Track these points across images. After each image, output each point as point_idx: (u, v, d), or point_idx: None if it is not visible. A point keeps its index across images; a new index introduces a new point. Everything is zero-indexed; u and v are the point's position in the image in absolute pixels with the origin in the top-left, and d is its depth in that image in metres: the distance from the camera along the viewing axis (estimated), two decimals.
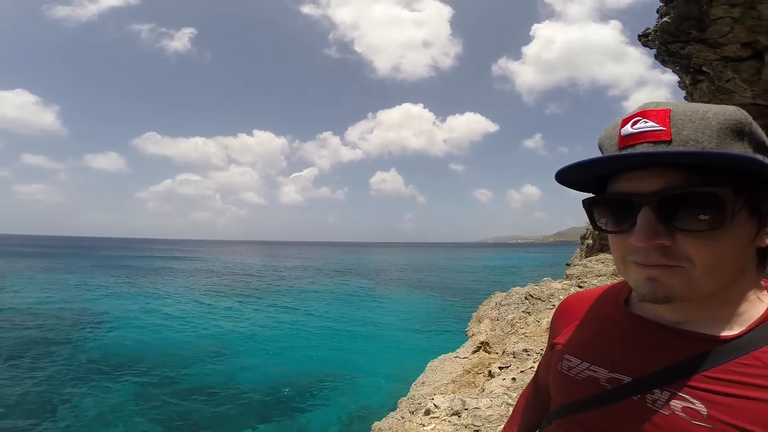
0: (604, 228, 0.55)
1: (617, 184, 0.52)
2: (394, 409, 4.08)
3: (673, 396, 0.50)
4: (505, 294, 7.39)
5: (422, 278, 34.93)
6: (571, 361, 0.63)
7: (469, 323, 7.24)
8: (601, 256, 9.03)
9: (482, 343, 5.02)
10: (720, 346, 0.49)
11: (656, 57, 5.64)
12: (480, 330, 6.10)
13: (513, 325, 5.15)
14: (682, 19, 4.61)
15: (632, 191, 0.50)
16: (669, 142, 0.47)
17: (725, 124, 0.47)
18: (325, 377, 10.63)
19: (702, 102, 2.59)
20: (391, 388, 9.05)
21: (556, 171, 0.53)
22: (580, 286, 6.91)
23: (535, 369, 3.26)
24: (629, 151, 0.48)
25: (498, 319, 6.06)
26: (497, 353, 4.23)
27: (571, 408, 0.61)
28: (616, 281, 0.70)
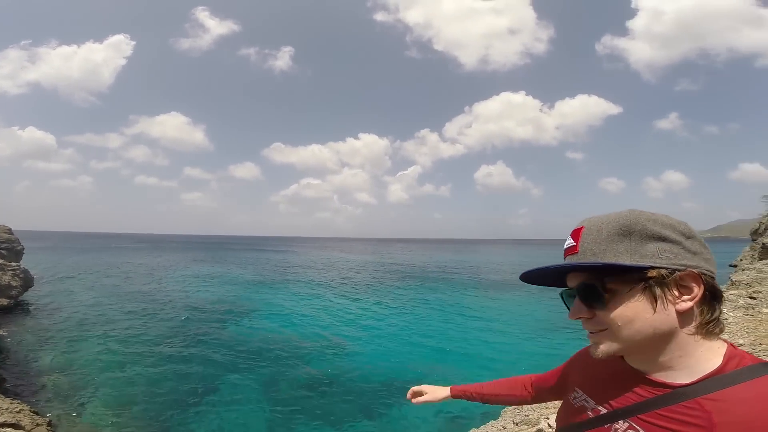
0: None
1: (568, 281, 0.78)
2: (496, 417, 3.73)
3: (629, 427, 0.72)
4: None
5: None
6: (576, 393, 0.87)
7: None
8: None
9: None
10: (672, 391, 0.69)
11: None
12: None
13: None
14: None
15: (568, 286, 0.78)
16: (578, 253, 0.74)
17: (612, 231, 0.71)
18: (428, 377, 10.48)
19: None
20: None
21: (523, 272, 0.79)
22: (752, 297, 5.44)
23: None
24: (558, 263, 0.75)
25: None
26: None
27: (567, 429, 0.84)
28: None
